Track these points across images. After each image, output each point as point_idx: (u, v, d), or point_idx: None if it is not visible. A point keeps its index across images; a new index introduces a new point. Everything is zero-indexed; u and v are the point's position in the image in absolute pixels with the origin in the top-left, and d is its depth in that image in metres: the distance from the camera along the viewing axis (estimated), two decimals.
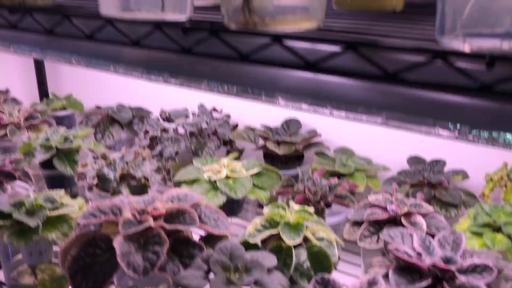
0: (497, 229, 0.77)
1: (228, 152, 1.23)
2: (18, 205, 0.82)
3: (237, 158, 1.17)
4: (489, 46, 0.34)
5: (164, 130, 1.23)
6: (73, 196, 0.94)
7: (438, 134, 0.38)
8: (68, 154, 1.11)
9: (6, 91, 1.63)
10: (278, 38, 0.43)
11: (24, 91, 1.88)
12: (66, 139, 1.12)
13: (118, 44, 0.53)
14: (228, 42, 0.46)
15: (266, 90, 0.46)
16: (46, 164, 1.11)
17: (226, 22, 0.47)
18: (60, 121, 1.59)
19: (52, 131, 1.19)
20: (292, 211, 0.78)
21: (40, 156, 1.08)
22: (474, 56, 0.34)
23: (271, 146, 1.08)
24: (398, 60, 0.37)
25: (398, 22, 0.59)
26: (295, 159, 1.16)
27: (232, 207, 1.00)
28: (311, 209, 0.80)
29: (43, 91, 1.83)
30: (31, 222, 0.77)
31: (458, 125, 0.36)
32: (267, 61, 0.44)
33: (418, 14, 0.64)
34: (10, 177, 0.97)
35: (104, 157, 1.03)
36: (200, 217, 0.77)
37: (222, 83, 0.49)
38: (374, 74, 0.38)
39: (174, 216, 0.75)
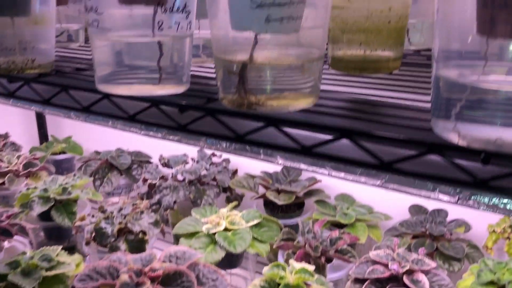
0: None
1: (227, 199, 1.22)
2: (14, 265, 0.81)
3: (237, 205, 1.17)
4: (484, 138, 0.34)
5: (163, 178, 1.23)
6: (71, 249, 0.94)
7: (438, 199, 0.38)
8: (67, 206, 1.10)
9: (6, 135, 1.64)
10: (273, 122, 0.43)
11: (24, 133, 1.89)
12: (64, 190, 1.12)
13: (114, 117, 0.53)
14: (224, 123, 0.46)
15: (265, 149, 0.46)
16: (44, 216, 1.10)
17: (221, 98, 0.47)
18: (59, 164, 1.59)
19: (50, 180, 1.18)
20: (292, 271, 0.76)
21: (38, 209, 1.07)
22: (469, 151, 0.34)
23: (271, 196, 1.07)
24: (393, 151, 0.37)
25: (394, 90, 0.59)
26: (296, 207, 1.15)
27: (231, 260, 0.98)
28: (312, 267, 0.79)
29: (43, 134, 1.83)
30: (27, 285, 0.76)
31: (458, 189, 0.36)
32: (262, 142, 0.44)
33: (415, 76, 0.64)
34: (7, 234, 0.96)
35: (101, 209, 1.02)
36: (198, 278, 0.76)
37: (220, 141, 0.49)
38: (370, 162, 0.38)
39: (171, 277, 0.74)
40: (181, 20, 0.50)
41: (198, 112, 0.47)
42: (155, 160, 1.38)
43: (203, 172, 1.22)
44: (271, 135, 0.44)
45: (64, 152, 1.62)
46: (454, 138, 0.36)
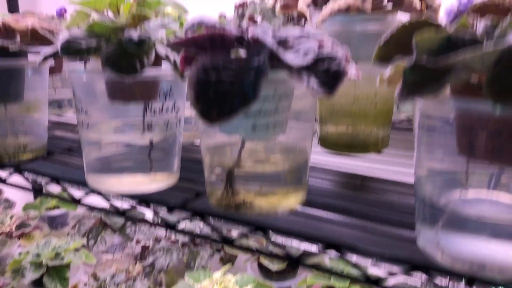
0: None
1: (221, 260, 1.21)
2: None
3: (231, 266, 1.16)
4: (467, 260, 0.35)
5: (156, 239, 1.22)
6: None
7: None
8: (59, 271, 1.09)
9: None
10: (261, 228, 0.43)
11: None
12: (57, 254, 1.11)
13: (104, 212, 0.53)
14: (212, 225, 0.46)
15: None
16: (36, 282, 1.09)
17: (209, 194, 0.48)
18: (52, 220, 1.58)
19: (43, 244, 1.17)
20: None
21: (30, 276, 1.06)
22: (453, 273, 0.34)
23: (265, 262, 1.06)
24: (379, 267, 0.37)
25: (383, 170, 0.60)
26: (291, 267, 1.14)
27: None
28: None
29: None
30: None
31: None
32: (250, 248, 0.44)
33: (404, 150, 0.65)
34: None
35: (94, 276, 1.01)
36: None
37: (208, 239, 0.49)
38: (356, 277, 0.38)
39: None
40: (170, 118, 0.51)
41: (186, 212, 0.48)
42: (149, 215, 1.38)
43: (197, 230, 1.21)
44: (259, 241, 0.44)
45: (58, 207, 1.62)
46: (437, 255, 0.36)
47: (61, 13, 1.13)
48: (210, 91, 0.35)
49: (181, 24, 0.66)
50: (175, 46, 0.39)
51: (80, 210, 1.55)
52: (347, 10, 0.54)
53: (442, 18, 0.73)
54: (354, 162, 0.65)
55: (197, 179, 0.55)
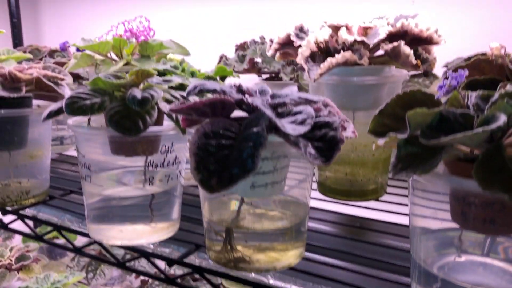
0: None
1: None
2: None
3: None
4: None
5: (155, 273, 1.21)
6: None
7: None
8: None
9: None
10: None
11: None
12: None
13: (105, 263, 0.54)
14: (211, 281, 0.46)
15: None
16: None
17: (208, 248, 0.48)
18: (52, 250, 1.58)
19: (43, 277, 1.17)
20: None
21: None
22: None
23: None
24: None
25: (380, 221, 0.61)
26: None
27: None
28: None
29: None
30: None
31: None
32: None
33: (400, 205, 0.66)
34: None
35: None
36: None
37: None
38: None
39: None
40: (171, 173, 0.52)
41: (186, 268, 0.48)
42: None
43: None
44: None
45: (57, 237, 1.61)
46: None
47: (64, 47, 1.15)
48: (210, 160, 0.36)
49: (183, 70, 0.67)
50: (176, 112, 0.40)
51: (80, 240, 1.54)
52: (344, 64, 0.55)
53: (439, 71, 0.74)
54: (352, 209, 0.66)
55: (197, 228, 0.56)
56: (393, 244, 0.58)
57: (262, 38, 0.93)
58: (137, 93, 0.47)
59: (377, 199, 0.66)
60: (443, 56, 0.63)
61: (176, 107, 0.39)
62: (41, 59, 1.05)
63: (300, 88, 0.78)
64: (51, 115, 0.48)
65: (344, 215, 0.66)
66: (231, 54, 0.92)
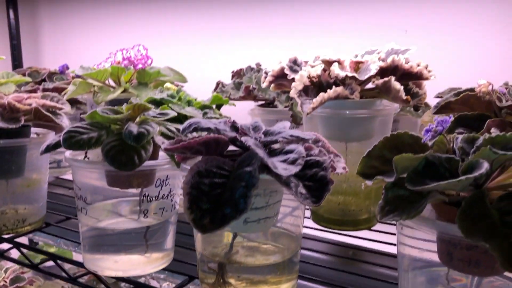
0: None
1: None
2: None
3: None
4: None
5: None
6: None
7: None
8: None
9: None
10: None
11: None
12: None
13: None
14: None
15: None
16: None
17: (201, 280, 0.49)
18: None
19: None
20: None
21: None
22: None
23: None
24: None
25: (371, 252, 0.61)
26: None
27: None
28: None
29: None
30: None
31: None
32: None
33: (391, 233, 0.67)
34: None
35: None
36: None
37: None
38: None
39: None
40: (166, 205, 0.53)
41: None
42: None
43: None
44: None
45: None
46: None
47: (63, 70, 1.16)
48: (203, 199, 0.37)
49: (180, 99, 0.68)
50: (171, 151, 0.41)
51: (76, 257, 1.54)
52: (336, 98, 0.57)
53: (430, 103, 0.76)
54: (345, 238, 0.67)
55: (190, 257, 0.57)
56: (386, 274, 0.59)
57: (258, 65, 0.94)
58: (133, 128, 0.48)
59: (369, 229, 0.67)
60: (436, 84, 0.64)
61: (171, 147, 0.40)
62: (40, 82, 1.06)
63: (294, 116, 0.79)
64: (49, 149, 0.49)
65: (337, 245, 0.67)
66: (227, 79, 0.94)
